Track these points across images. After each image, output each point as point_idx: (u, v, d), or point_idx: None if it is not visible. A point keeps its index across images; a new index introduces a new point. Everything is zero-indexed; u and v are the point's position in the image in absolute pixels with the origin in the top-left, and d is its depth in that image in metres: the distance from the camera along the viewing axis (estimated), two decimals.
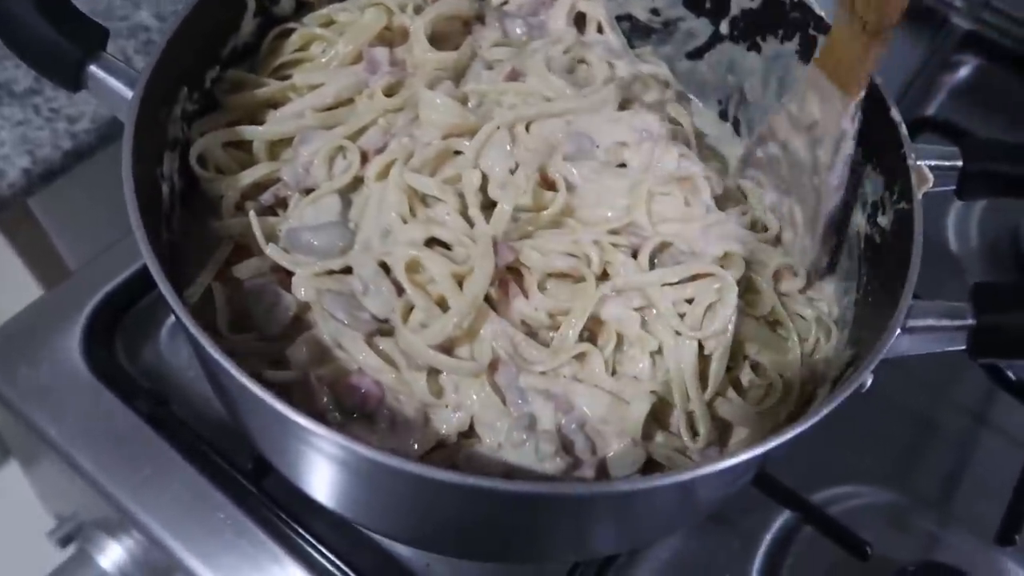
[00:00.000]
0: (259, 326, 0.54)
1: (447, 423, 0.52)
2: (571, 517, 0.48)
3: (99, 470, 0.62)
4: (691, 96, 0.71)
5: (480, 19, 0.65)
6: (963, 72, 0.97)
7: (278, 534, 0.61)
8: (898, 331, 0.47)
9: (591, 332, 0.54)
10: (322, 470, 0.49)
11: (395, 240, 0.54)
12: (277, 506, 0.62)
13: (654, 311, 0.54)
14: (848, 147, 0.53)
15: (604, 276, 0.55)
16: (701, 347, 0.54)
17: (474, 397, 0.52)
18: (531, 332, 0.54)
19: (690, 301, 0.54)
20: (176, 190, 0.57)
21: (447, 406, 0.52)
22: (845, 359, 0.53)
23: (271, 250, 0.55)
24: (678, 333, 0.53)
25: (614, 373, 0.53)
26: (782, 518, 0.66)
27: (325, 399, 0.51)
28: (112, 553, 0.69)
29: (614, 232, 0.55)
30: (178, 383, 0.68)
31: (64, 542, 0.77)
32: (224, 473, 0.62)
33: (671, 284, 0.54)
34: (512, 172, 0.56)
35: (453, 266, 0.52)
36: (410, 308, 0.53)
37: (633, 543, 0.61)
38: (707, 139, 0.69)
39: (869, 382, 0.47)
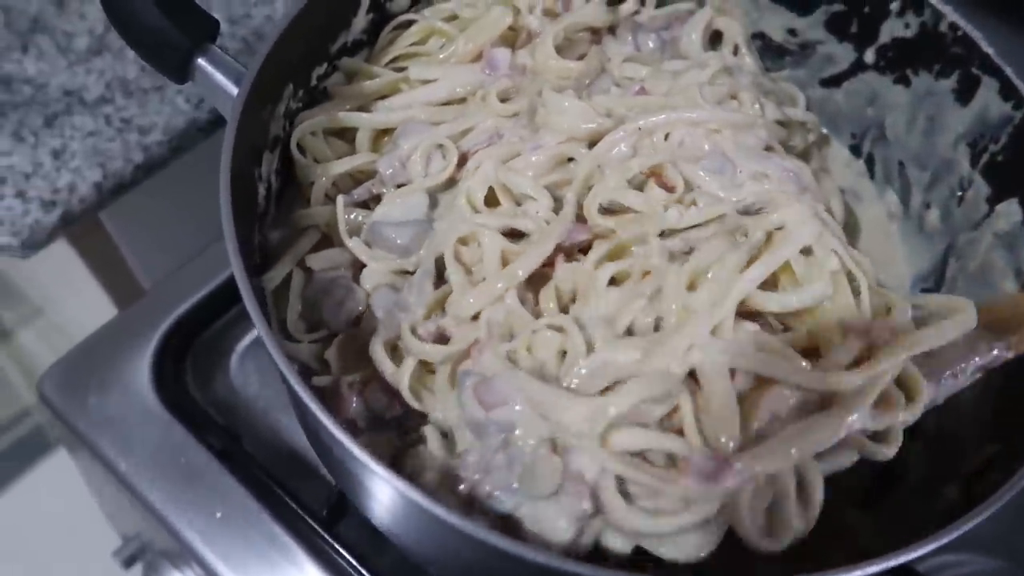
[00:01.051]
0: (326, 320, 0.52)
1: None
2: None
3: (169, 508, 0.60)
4: (824, 130, 0.66)
5: (611, 30, 0.61)
6: None
7: None
8: None
9: None
10: (404, 524, 0.47)
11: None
12: (350, 552, 0.59)
13: None
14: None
15: None
16: None
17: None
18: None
19: None
20: (272, 191, 0.55)
21: None
22: (985, 453, 0.48)
23: (352, 243, 0.51)
24: None
25: None
26: None
27: (354, 405, 0.48)
28: None
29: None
30: (248, 413, 0.66)
31: (129, 563, 0.76)
32: (296, 517, 0.60)
33: None
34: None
35: (508, 245, 0.48)
36: (440, 303, 0.49)
37: None
38: (843, 194, 0.63)
39: None
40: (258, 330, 0.43)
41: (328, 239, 0.54)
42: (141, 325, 0.66)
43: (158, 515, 0.60)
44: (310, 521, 0.59)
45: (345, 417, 0.47)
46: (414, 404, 0.47)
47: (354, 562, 0.58)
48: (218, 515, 0.59)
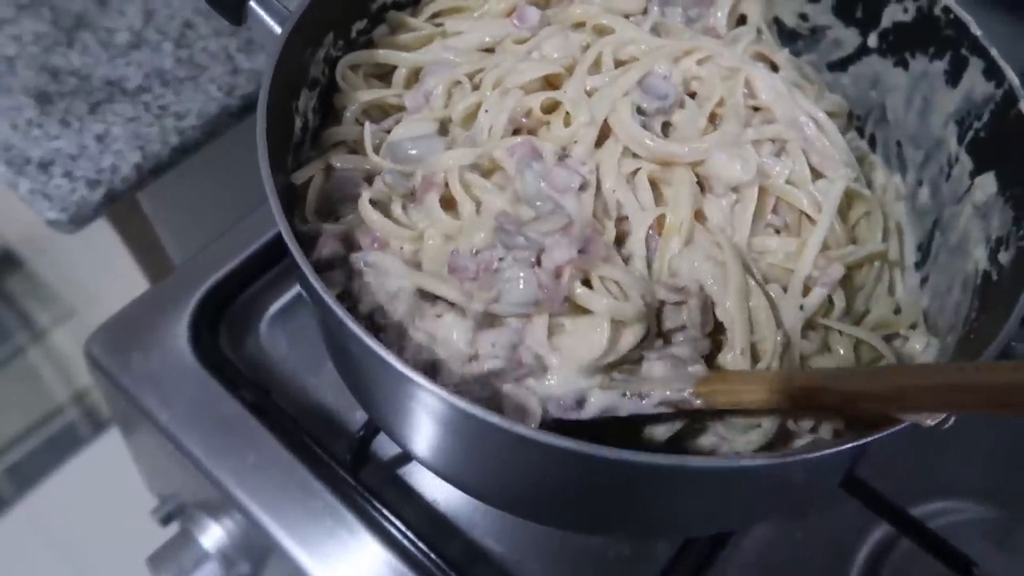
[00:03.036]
0: (333, 206, 0.57)
1: None
2: (668, 490, 0.48)
3: (206, 455, 0.64)
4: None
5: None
6: None
7: (372, 523, 0.62)
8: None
9: None
10: (430, 431, 0.50)
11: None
12: (372, 495, 0.63)
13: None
14: None
15: None
16: None
17: None
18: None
19: None
20: (309, 126, 0.60)
21: None
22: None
23: (373, 156, 0.57)
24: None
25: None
26: (879, 531, 0.65)
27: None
28: (213, 534, 0.71)
29: None
30: (278, 373, 0.70)
31: (166, 520, 0.80)
32: (323, 463, 0.64)
33: None
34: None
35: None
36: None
37: (719, 526, 0.61)
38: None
39: (952, 420, 0.45)
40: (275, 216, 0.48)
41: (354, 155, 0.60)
42: (179, 291, 0.71)
43: (195, 462, 0.64)
44: (335, 466, 0.64)
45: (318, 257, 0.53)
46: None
47: (375, 502, 0.63)
48: (250, 460, 0.64)
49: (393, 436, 0.57)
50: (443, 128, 0.58)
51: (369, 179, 0.57)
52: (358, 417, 0.67)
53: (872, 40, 0.64)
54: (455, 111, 0.57)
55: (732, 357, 0.50)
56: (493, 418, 0.41)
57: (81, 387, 1.67)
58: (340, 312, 0.43)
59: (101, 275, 1.10)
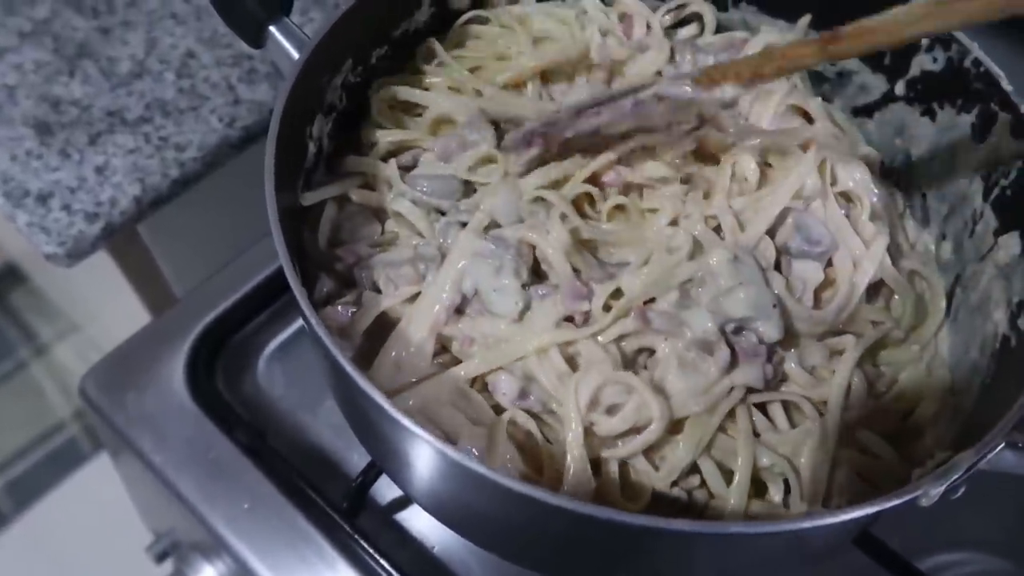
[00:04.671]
0: (343, 239, 0.57)
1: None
2: (674, 551, 0.47)
3: (200, 500, 0.63)
4: None
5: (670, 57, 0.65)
6: None
7: (367, 570, 0.61)
8: (1000, 446, 0.43)
9: None
10: (427, 476, 0.49)
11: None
12: (368, 541, 0.62)
13: None
14: None
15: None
16: None
17: None
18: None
19: None
20: (324, 152, 0.60)
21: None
22: (946, 454, 0.50)
23: (393, 198, 0.56)
24: None
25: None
26: None
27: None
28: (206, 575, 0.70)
29: None
30: (275, 413, 0.69)
31: (160, 558, 0.79)
32: (318, 508, 0.63)
33: None
34: None
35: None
36: None
37: None
38: None
39: (961, 491, 0.44)
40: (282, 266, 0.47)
41: (368, 187, 0.60)
42: (175, 329, 0.70)
43: (190, 506, 0.63)
44: (331, 512, 0.63)
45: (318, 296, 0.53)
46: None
47: (371, 550, 0.61)
48: (245, 506, 0.63)
49: (392, 476, 0.57)
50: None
51: (379, 216, 0.57)
52: (355, 459, 0.66)
53: (899, 88, 0.63)
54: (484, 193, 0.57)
55: None
56: (483, 470, 0.40)
57: (83, 403, 1.66)
58: (345, 363, 0.42)
59: (104, 292, 1.09)
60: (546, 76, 0.63)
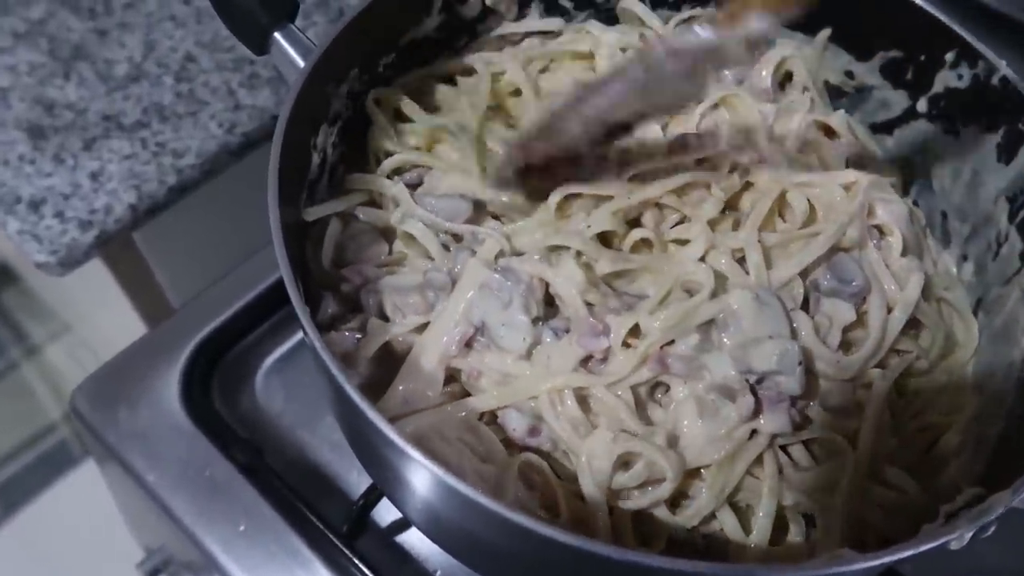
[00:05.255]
0: (348, 258, 0.55)
1: None
2: None
3: (194, 521, 0.61)
4: None
5: None
6: None
7: None
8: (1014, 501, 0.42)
9: None
10: (428, 503, 0.48)
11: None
12: (367, 566, 0.60)
13: None
14: None
15: None
16: None
17: None
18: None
19: None
20: (328, 163, 0.58)
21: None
22: (975, 491, 0.48)
23: (403, 219, 0.55)
24: None
25: None
26: None
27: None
28: None
29: None
30: (272, 430, 0.67)
31: (152, 575, 0.77)
32: (317, 531, 0.61)
33: None
34: None
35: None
36: None
37: None
38: None
39: (992, 530, 0.42)
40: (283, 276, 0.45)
41: (371, 204, 0.58)
42: (170, 342, 0.68)
43: (183, 527, 0.61)
44: (331, 536, 0.61)
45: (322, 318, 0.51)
46: None
47: (370, 574, 0.59)
48: (241, 528, 0.61)
49: (396, 504, 0.55)
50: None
51: (386, 235, 0.55)
52: (355, 479, 0.64)
53: (921, 105, 0.61)
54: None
55: None
56: (489, 502, 0.38)
57: (74, 418, 1.64)
58: (355, 395, 0.40)
59: (98, 296, 1.07)
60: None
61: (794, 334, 0.48)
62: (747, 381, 0.47)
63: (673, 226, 0.54)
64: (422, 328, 0.50)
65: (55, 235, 0.74)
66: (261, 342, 0.71)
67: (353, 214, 0.56)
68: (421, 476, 0.41)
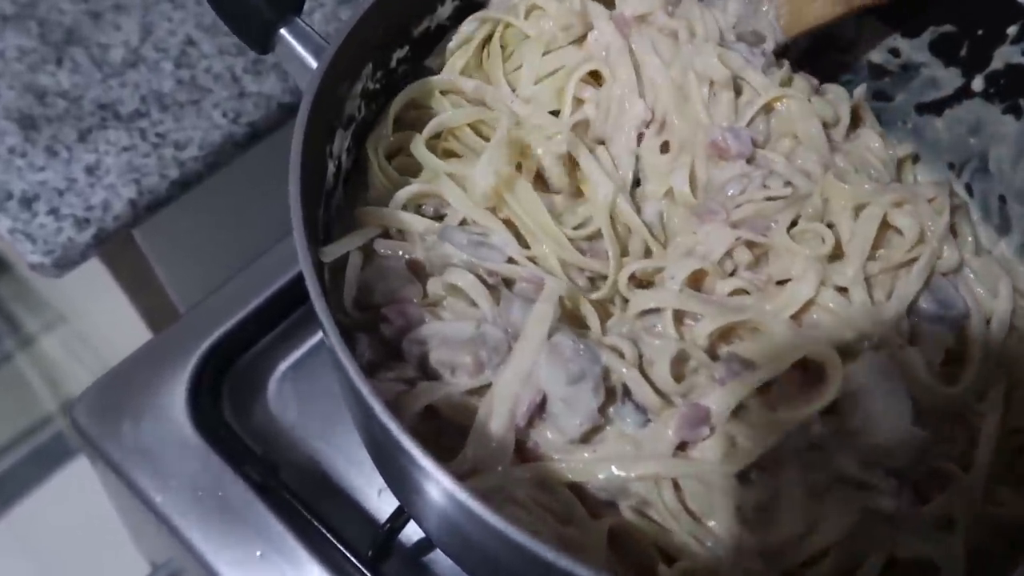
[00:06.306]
0: (378, 302, 0.49)
1: None
2: None
3: (206, 545, 0.57)
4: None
5: None
6: None
7: None
8: None
9: None
10: (462, 540, 0.44)
11: None
12: None
13: None
14: None
15: None
16: None
17: None
18: None
19: None
20: (342, 169, 0.53)
21: None
22: None
23: (446, 269, 0.48)
24: None
25: None
26: None
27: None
28: None
29: None
30: (287, 443, 0.63)
31: None
32: (339, 556, 0.57)
33: None
34: None
35: None
36: None
37: None
38: None
39: None
40: (315, 307, 0.40)
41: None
42: (176, 350, 0.64)
43: (196, 553, 0.57)
44: (354, 561, 0.57)
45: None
46: None
47: None
48: (258, 553, 0.57)
49: (421, 525, 0.50)
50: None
51: (418, 273, 0.49)
52: (376, 497, 0.60)
53: (977, 83, 0.57)
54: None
55: None
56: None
57: (70, 396, 1.62)
58: (423, 458, 0.36)
59: (94, 290, 1.03)
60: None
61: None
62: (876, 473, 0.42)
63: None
64: (476, 389, 0.44)
65: (50, 234, 0.69)
66: (273, 347, 0.67)
67: (375, 250, 0.50)
68: (489, 536, 0.37)
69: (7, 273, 1.70)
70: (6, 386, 1.64)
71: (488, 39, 0.57)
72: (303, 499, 0.59)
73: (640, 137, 0.53)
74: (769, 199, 0.49)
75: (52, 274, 0.70)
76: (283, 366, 0.67)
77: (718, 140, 0.51)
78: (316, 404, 0.65)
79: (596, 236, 0.51)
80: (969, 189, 0.60)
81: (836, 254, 0.48)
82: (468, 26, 0.56)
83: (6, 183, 0.71)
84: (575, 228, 0.50)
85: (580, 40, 0.55)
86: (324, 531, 0.58)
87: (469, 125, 0.54)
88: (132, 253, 0.78)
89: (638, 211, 0.52)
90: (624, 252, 0.51)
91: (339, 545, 0.57)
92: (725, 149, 0.51)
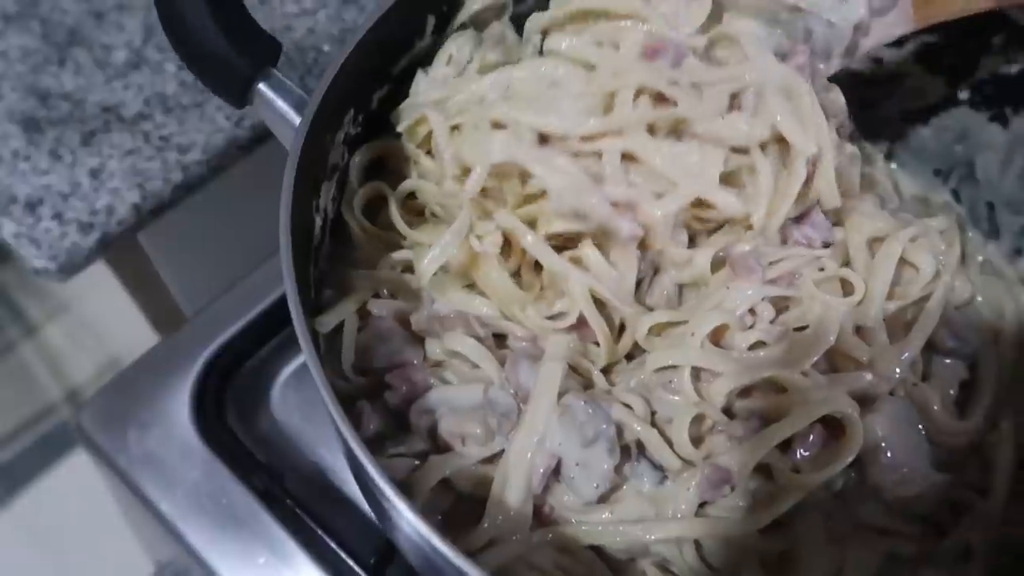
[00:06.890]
0: (376, 367, 0.49)
1: None
2: None
3: (211, 552, 0.58)
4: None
5: None
6: None
7: None
8: None
9: None
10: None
11: None
12: None
13: None
14: None
15: None
16: None
17: None
18: None
19: None
20: (328, 221, 0.53)
21: None
22: None
23: (445, 333, 0.47)
24: None
25: None
26: None
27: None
28: None
29: None
30: (291, 450, 0.63)
31: None
32: (343, 565, 0.58)
33: None
34: None
35: None
36: None
37: None
38: None
39: None
40: (316, 379, 0.40)
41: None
42: (180, 356, 0.64)
43: (200, 559, 0.58)
44: (356, 568, 0.57)
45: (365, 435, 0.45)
46: None
47: None
48: (261, 561, 0.57)
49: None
50: None
51: (415, 334, 0.48)
52: None
53: (963, 92, 0.57)
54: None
55: None
56: None
57: (74, 384, 1.62)
58: (407, 509, 0.36)
59: (97, 283, 1.03)
60: None
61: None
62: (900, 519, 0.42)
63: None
64: (488, 459, 0.44)
65: (54, 239, 0.69)
66: (276, 353, 0.67)
67: (369, 311, 0.49)
68: None
69: (10, 262, 1.71)
70: (10, 375, 1.65)
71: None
72: (307, 506, 0.60)
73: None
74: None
75: (57, 279, 0.70)
76: (286, 372, 0.67)
77: None
78: (319, 410, 0.65)
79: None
80: (956, 195, 0.60)
81: (848, 291, 0.47)
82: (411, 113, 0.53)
83: (10, 187, 0.71)
84: (549, 319, 0.47)
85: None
86: (327, 538, 0.58)
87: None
88: (136, 256, 0.78)
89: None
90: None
91: (342, 552, 0.58)
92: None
